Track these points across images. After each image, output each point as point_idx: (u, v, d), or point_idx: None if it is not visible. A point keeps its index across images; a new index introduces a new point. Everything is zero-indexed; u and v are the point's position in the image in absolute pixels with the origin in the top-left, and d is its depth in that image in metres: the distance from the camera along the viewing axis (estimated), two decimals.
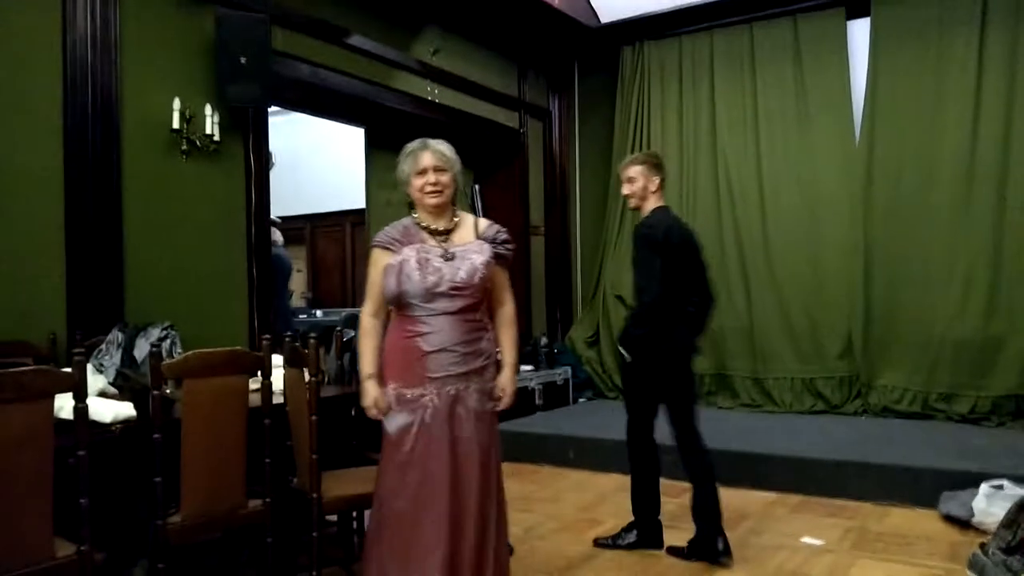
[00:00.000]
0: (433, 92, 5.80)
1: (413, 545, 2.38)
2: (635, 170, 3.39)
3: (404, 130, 6.05)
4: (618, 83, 6.97)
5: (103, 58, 3.65)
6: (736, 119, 6.40)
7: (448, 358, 2.42)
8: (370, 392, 2.48)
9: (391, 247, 2.50)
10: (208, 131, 4.05)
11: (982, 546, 3.13)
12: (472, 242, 2.53)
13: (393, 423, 2.45)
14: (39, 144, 3.50)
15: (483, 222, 2.62)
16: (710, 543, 3.27)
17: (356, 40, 5.07)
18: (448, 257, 2.46)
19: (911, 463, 4.26)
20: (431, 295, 2.42)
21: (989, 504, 3.61)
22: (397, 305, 2.47)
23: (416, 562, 2.37)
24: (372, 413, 2.49)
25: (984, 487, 3.70)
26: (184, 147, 3.99)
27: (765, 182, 6.25)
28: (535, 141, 7.05)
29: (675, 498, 4.21)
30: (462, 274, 2.43)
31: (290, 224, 8.41)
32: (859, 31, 6.01)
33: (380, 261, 2.51)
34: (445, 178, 2.51)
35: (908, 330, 5.70)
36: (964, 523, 3.67)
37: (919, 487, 4.06)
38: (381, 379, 2.48)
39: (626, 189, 3.43)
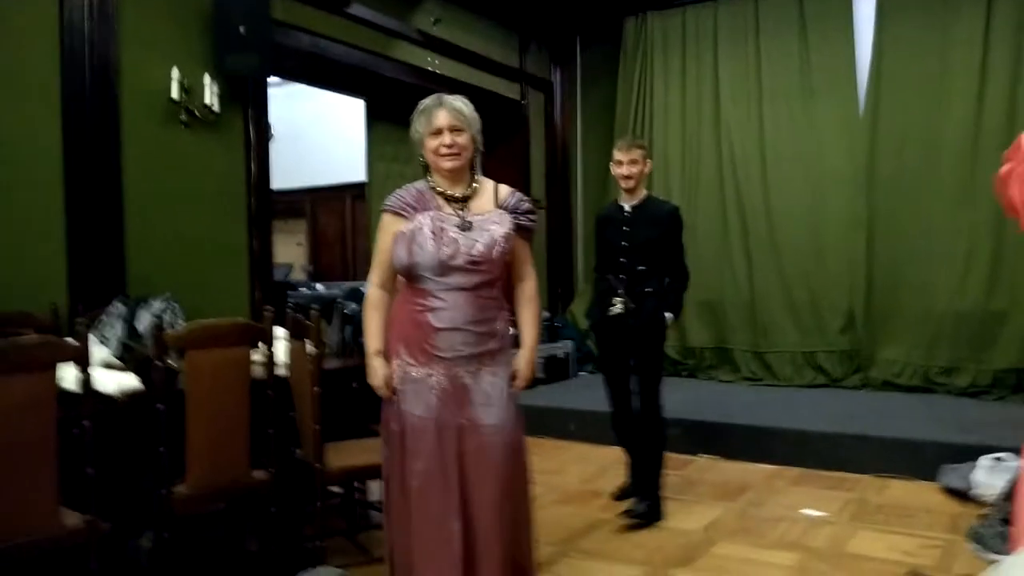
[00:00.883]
0: (433, 63, 5.73)
1: (425, 534, 2.24)
2: (640, 153, 3.59)
3: (404, 101, 6.00)
4: (621, 54, 6.88)
5: (100, 27, 3.59)
6: (739, 92, 6.33)
7: (460, 337, 2.23)
8: (378, 371, 2.30)
9: (403, 212, 2.28)
10: (207, 102, 4.00)
11: (982, 517, 3.15)
12: (492, 211, 2.31)
13: (401, 406, 2.28)
14: (37, 115, 3.46)
15: (504, 189, 2.39)
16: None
17: (356, 9, 4.99)
18: (465, 227, 2.25)
19: (911, 436, 4.28)
20: (445, 268, 2.22)
21: (989, 477, 3.64)
22: (408, 277, 2.28)
23: (428, 552, 2.23)
24: (383, 393, 2.31)
25: (984, 460, 3.72)
26: (183, 118, 3.94)
27: (768, 156, 6.21)
28: (536, 113, 6.99)
29: (678, 470, 4.26)
30: (480, 247, 2.23)
31: (291, 197, 8.39)
32: (864, 4, 5.92)
33: (391, 227, 2.30)
34: (462, 139, 2.28)
35: (910, 304, 5.69)
36: (964, 495, 3.69)
37: (919, 460, 4.08)
38: (387, 355, 2.31)
39: (628, 170, 3.58)
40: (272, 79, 4.64)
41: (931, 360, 5.59)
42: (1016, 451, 3.67)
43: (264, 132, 4.45)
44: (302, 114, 7.91)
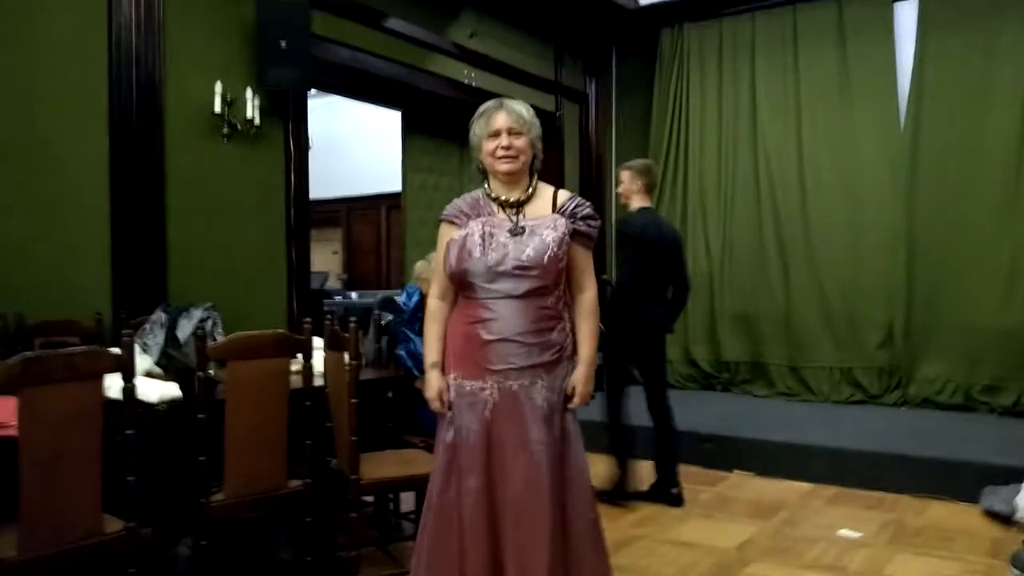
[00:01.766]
0: (470, 76, 5.78)
1: (464, 548, 2.17)
2: (624, 174, 4.08)
3: (440, 114, 6.09)
4: (656, 66, 6.87)
5: (147, 42, 3.69)
6: (777, 104, 6.28)
7: (511, 348, 2.15)
8: (433, 383, 2.25)
9: (457, 220, 2.25)
10: (249, 115, 4.08)
11: None
12: (547, 216, 2.22)
13: (451, 423, 2.22)
14: (85, 127, 3.56)
15: (563, 194, 2.30)
16: (667, 489, 3.98)
17: (394, 23, 5.06)
18: (516, 232, 2.18)
19: (952, 456, 4.19)
20: (493, 274, 2.15)
21: None
22: (459, 286, 2.23)
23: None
24: (436, 406, 2.25)
25: None
26: (225, 131, 4.03)
27: (806, 168, 6.15)
28: (571, 125, 6.99)
29: (712, 486, 4.22)
30: (529, 251, 2.15)
31: (327, 206, 8.52)
32: (906, 14, 5.85)
33: (445, 236, 2.26)
34: (520, 142, 2.22)
35: (951, 320, 5.58)
36: (1006, 519, 3.61)
37: (960, 481, 3.99)
38: (445, 368, 2.27)
39: (618, 188, 4.14)
40: (311, 91, 4.72)
41: (973, 377, 5.47)
42: None
43: (304, 145, 4.53)
44: (339, 125, 8.02)
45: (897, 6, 5.88)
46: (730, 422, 5.09)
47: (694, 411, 5.51)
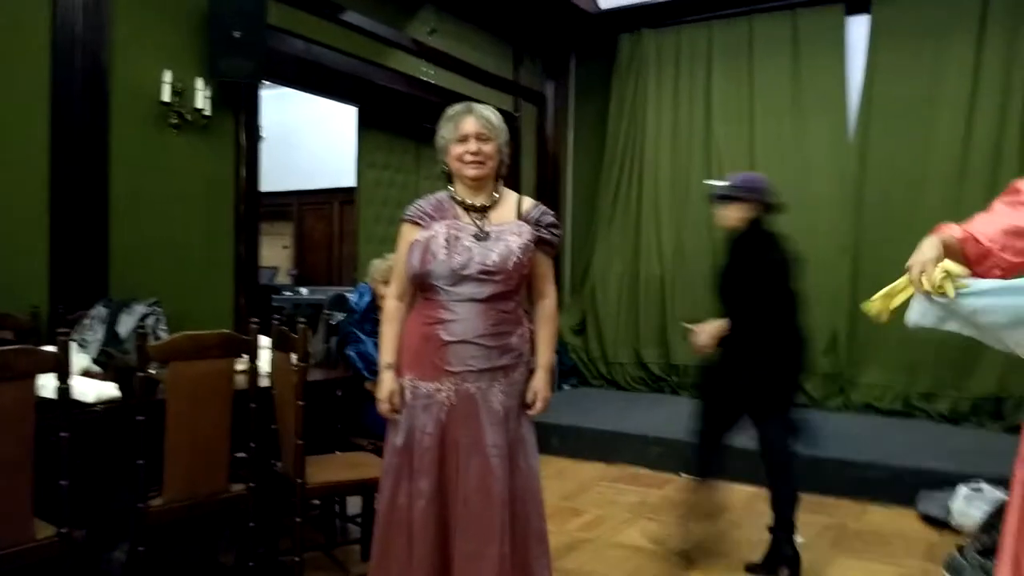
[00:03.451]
0: (428, 72, 5.73)
1: (424, 559, 2.16)
2: None
3: (397, 110, 6.02)
4: (614, 70, 6.90)
5: (93, 27, 3.55)
6: (731, 111, 6.37)
7: (470, 351, 2.15)
8: (386, 384, 2.24)
9: (420, 221, 2.24)
10: (199, 105, 3.96)
11: (959, 548, 3.17)
12: (511, 222, 2.25)
13: (404, 424, 2.22)
14: (25, 113, 3.41)
15: (527, 201, 2.33)
16: None
17: (351, 16, 4.98)
18: (481, 237, 2.19)
19: (890, 461, 4.30)
20: (457, 277, 2.15)
21: (967, 506, 3.66)
22: (420, 287, 2.22)
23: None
24: (383, 408, 2.24)
25: (962, 488, 3.75)
26: (174, 121, 3.91)
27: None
28: (528, 126, 6.99)
29: (658, 489, 4.26)
30: (494, 256, 2.16)
31: (278, 199, 8.35)
32: (858, 27, 5.99)
33: (408, 236, 2.25)
34: (488, 148, 2.23)
35: (892, 328, 5.57)
36: (942, 523, 3.72)
37: (897, 486, 4.10)
38: (399, 369, 2.26)
39: None
40: (264, 82, 4.61)
41: (912, 385, 5.62)
42: (994, 480, 3.70)
43: (255, 137, 4.42)
44: (292, 117, 7.88)
45: (850, 19, 6.01)
46: (677, 425, 5.10)
47: (643, 414, 5.58)
